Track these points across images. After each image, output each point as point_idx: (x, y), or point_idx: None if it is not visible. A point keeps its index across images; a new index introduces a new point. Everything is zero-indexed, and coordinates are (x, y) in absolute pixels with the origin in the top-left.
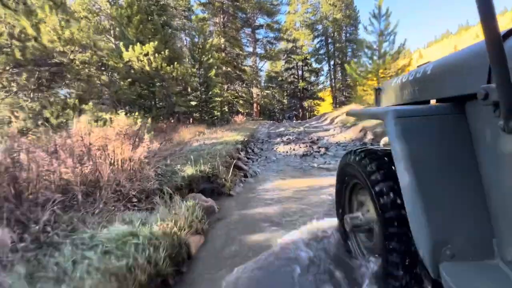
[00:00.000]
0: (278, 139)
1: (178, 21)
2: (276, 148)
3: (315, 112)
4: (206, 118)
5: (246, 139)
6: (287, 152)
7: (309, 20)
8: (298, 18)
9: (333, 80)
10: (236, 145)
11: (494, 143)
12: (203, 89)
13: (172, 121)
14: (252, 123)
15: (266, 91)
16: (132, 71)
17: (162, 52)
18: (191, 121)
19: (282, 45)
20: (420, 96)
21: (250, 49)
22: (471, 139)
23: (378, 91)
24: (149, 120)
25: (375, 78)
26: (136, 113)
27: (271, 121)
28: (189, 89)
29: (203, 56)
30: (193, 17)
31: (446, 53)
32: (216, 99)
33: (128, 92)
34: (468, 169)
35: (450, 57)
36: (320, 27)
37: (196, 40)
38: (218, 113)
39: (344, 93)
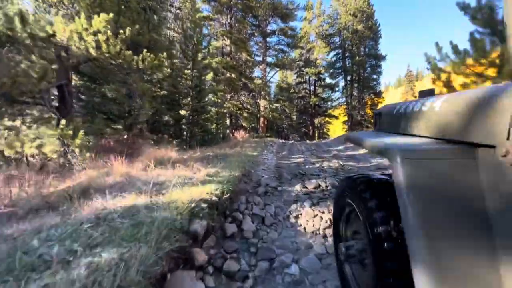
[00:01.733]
0: (298, 188)
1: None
2: (300, 226)
3: (325, 130)
4: (196, 132)
5: (226, 193)
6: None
7: (325, 32)
8: (313, 30)
9: (350, 97)
10: (179, 224)
11: (509, 198)
12: (194, 94)
13: (130, 135)
14: (255, 143)
15: (275, 104)
16: (66, 54)
17: (121, 32)
18: (170, 137)
19: (296, 53)
20: (426, 132)
21: (260, 58)
22: (482, 188)
23: (378, 116)
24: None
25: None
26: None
27: (280, 140)
28: (179, 95)
29: (198, 53)
30: (187, 4)
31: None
32: (212, 109)
33: (35, 84)
34: (479, 221)
35: (464, 96)
36: (337, 39)
37: (190, 33)
38: (213, 127)
39: (361, 112)
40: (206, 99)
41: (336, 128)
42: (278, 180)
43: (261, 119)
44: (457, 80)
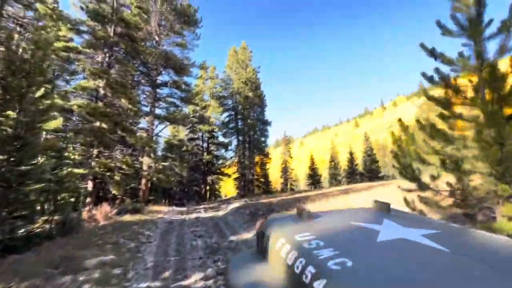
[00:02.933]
0: None
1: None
2: None
3: (217, 187)
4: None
5: None
6: None
7: (219, 94)
8: (208, 90)
9: (242, 156)
10: None
11: None
12: (10, 150)
13: None
14: (120, 231)
15: (163, 163)
16: None
17: None
18: None
19: (189, 109)
20: None
21: (147, 109)
22: None
23: (261, 235)
24: None
25: None
26: None
27: (171, 207)
28: None
29: (34, 87)
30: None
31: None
32: (43, 174)
33: None
34: None
35: None
36: (230, 101)
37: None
38: (38, 205)
39: (251, 171)
40: (36, 160)
41: (228, 185)
42: None
43: (143, 180)
44: None
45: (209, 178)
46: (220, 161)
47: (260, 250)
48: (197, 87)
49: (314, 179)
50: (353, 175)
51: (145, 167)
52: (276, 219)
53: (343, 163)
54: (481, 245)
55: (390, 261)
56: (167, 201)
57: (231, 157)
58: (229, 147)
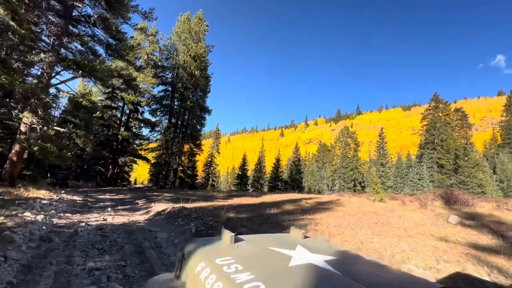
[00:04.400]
0: None
1: None
2: None
3: (127, 169)
4: None
5: None
6: None
7: (158, 62)
8: (144, 52)
9: (171, 142)
10: None
11: None
12: None
13: None
14: None
15: (58, 128)
16: None
17: None
18: None
19: (114, 64)
20: None
21: (48, 42)
22: None
23: (181, 258)
24: None
25: None
26: None
27: (58, 192)
28: None
29: None
30: None
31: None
32: None
33: None
34: None
35: None
36: (170, 75)
37: None
38: None
39: (178, 159)
40: None
41: (142, 171)
42: None
43: (16, 147)
44: None
45: (121, 159)
46: (140, 142)
47: (179, 273)
48: (134, 40)
49: (242, 180)
50: (276, 181)
51: (23, 128)
52: (200, 241)
53: (268, 168)
54: (366, 270)
55: (298, 284)
56: (52, 180)
57: (156, 140)
58: (157, 128)
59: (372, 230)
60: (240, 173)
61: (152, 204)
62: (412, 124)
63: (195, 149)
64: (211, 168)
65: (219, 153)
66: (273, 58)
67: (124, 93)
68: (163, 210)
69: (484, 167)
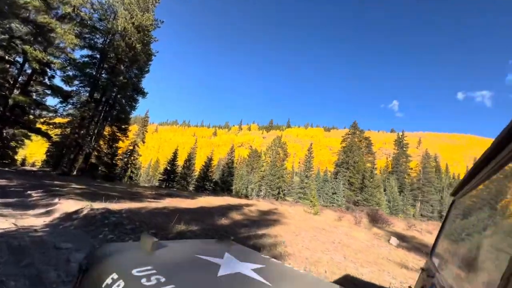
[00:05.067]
0: None
1: None
2: None
3: (14, 145)
4: None
5: None
6: None
7: (87, 19)
8: (67, 7)
9: (89, 121)
10: None
11: None
12: None
13: None
14: None
15: None
16: None
17: None
18: None
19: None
20: None
21: None
22: None
23: (83, 270)
24: None
25: None
26: None
27: None
28: None
29: None
30: None
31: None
32: None
33: None
34: None
35: None
36: (100, 40)
37: None
38: None
39: (95, 144)
40: None
41: (34, 150)
42: None
43: None
44: None
45: (7, 131)
46: (40, 113)
47: None
48: None
49: (169, 176)
50: (204, 181)
51: None
52: (111, 247)
53: (198, 166)
54: (291, 278)
55: None
56: None
57: (68, 114)
58: (71, 100)
59: (343, 254)
60: (168, 168)
61: (56, 200)
62: (330, 144)
63: (119, 134)
64: (132, 158)
65: (144, 142)
66: (215, 56)
67: (28, 46)
68: (76, 212)
69: (381, 188)
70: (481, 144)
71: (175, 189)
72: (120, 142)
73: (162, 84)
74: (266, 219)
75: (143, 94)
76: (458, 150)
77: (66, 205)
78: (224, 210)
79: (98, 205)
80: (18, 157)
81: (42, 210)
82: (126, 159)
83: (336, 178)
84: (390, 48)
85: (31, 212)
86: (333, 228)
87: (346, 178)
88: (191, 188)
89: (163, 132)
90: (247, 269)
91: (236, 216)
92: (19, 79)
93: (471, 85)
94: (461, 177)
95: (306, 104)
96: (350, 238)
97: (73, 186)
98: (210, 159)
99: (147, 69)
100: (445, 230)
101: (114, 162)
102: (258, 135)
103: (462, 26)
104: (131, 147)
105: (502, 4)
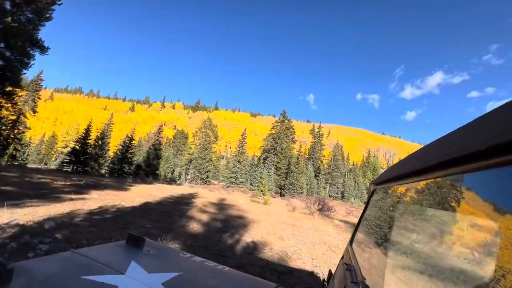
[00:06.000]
0: None
1: None
2: None
3: None
4: None
5: None
6: None
7: None
8: None
9: None
10: None
11: None
12: None
13: None
14: None
15: None
16: None
17: None
18: None
19: None
20: None
21: None
22: None
23: None
24: None
25: None
26: None
27: None
28: None
29: None
30: None
31: None
32: None
33: None
34: None
35: None
36: None
37: None
38: None
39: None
40: None
41: None
42: None
43: None
44: None
45: None
46: None
47: None
48: None
49: (79, 158)
50: (122, 163)
51: None
52: None
53: (112, 146)
54: (212, 281)
55: None
56: None
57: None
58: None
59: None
60: (78, 147)
61: None
62: (256, 129)
63: (1, 99)
64: (16, 131)
65: (35, 112)
66: (137, 18)
67: None
68: None
69: (303, 173)
70: (371, 137)
71: (87, 174)
72: (4, 110)
73: (63, 37)
74: (233, 216)
75: (42, 48)
76: (356, 142)
77: None
78: (178, 206)
79: None
80: None
81: None
82: (7, 132)
83: (265, 163)
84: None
85: None
86: (297, 221)
87: (274, 164)
88: (103, 171)
89: (61, 101)
90: (156, 284)
91: (199, 216)
92: None
93: (367, 89)
94: (359, 164)
95: (235, 87)
96: (324, 234)
97: None
98: (131, 139)
99: (48, 15)
100: (363, 218)
101: None
102: (184, 115)
103: (369, 36)
104: (13, 117)
105: (398, 16)
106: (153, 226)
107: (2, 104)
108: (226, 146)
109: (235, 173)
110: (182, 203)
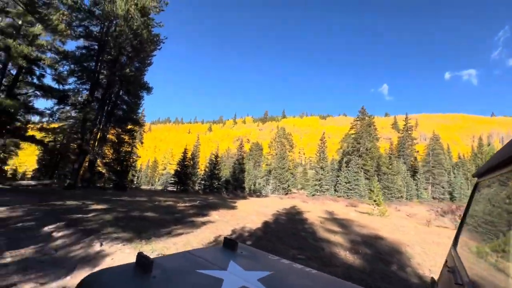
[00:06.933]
0: None
1: None
2: None
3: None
4: None
5: None
6: None
7: (78, 3)
8: None
9: (93, 124)
10: None
11: None
12: None
13: None
14: None
15: None
16: None
17: None
18: None
19: None
20: None
21: None
22: None
23: None
24: None
25: None
26: None
27: None
28: None
29: None
30: None
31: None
32: None
33: None
34: None
35: None
36: (96, 28)
37: None
38: None
39: (98, 150)
40: None
41: (25, 160)
42: None
43: None
44: None
45: None
46: (31, 117)
47: None
48: None
49: (181, 178)
50: (211, 179)
51: None
52: (103, 273)
53: (202, 166)
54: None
55: None
56: None
57: (66, 118)
58: (67, 100)
59: None
60: (178, 169)
61: (98, 247)
62: (328, 131)
63: (125, 136)
64: (131, 160)
65: (142, 143)
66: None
67: (11, 40)
68: None
69: (399, 174)
70: (475, 121)
71: (186, 192)
72: (126, 146)
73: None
74: (370, 237)
75: (148, 89)
76: (454, 130)
77: (118, 258)
78: (296, 225)
79: (156, 245)
80: (8, 168)
81: (85, 275)
82: (125, 162)
83: (348, 167)
84: (378, 30)
85: (68, 282)
86: (449, 240)
87: (359, 166)
88: (197, 188)
89: (156, 131)
90: (253, 279)
91: (331, 237)
92: (3, 81)
93: (456, 65)
94: (466, 157)
95: (300, 94)
96: None
97: (94, 207)
98: (216, 156)
99: (149, 61)
100: (468, 217)
101: (123, 169)
102: (254, 128)
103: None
104: (129, 149)
105: None
106: (304, 256)
107: (125, 140)
108: (299, 153)
109: (320, 180)
110: (296, 220)
